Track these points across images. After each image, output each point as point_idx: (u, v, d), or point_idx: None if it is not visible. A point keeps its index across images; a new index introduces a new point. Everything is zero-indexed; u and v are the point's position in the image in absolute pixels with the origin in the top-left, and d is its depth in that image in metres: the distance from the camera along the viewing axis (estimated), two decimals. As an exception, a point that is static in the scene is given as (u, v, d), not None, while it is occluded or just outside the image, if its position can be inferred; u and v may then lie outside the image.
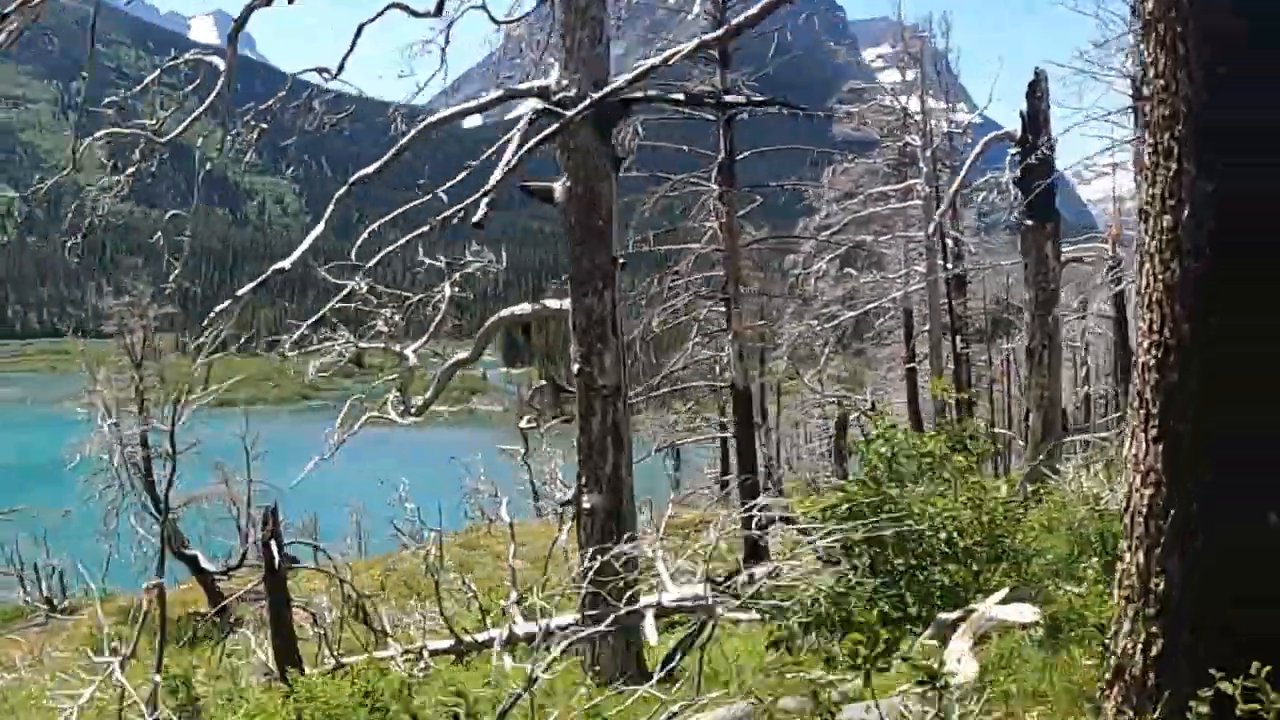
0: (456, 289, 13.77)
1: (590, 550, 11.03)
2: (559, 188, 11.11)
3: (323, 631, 15.45)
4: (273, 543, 17.72)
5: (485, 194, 9.74)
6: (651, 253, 25.46)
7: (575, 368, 11.10)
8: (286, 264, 11.34)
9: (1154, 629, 4.26)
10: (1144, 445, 4.34)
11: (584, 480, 11.19)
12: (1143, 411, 4.34)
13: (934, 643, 8.22)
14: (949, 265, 31.95)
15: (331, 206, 11.45)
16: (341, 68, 12.05)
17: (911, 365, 33.68)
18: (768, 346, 36.00)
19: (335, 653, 14.55)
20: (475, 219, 9.70)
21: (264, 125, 12.54)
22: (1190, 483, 4.21)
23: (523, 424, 18.50)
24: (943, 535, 10.19)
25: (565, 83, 10.92)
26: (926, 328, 32.85)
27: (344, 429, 14.15)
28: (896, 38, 36.39)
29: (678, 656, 10.80)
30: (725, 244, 24.07)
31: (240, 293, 11.72)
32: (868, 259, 35.91)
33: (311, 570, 18.23)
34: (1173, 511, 4.20)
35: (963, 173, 23.23)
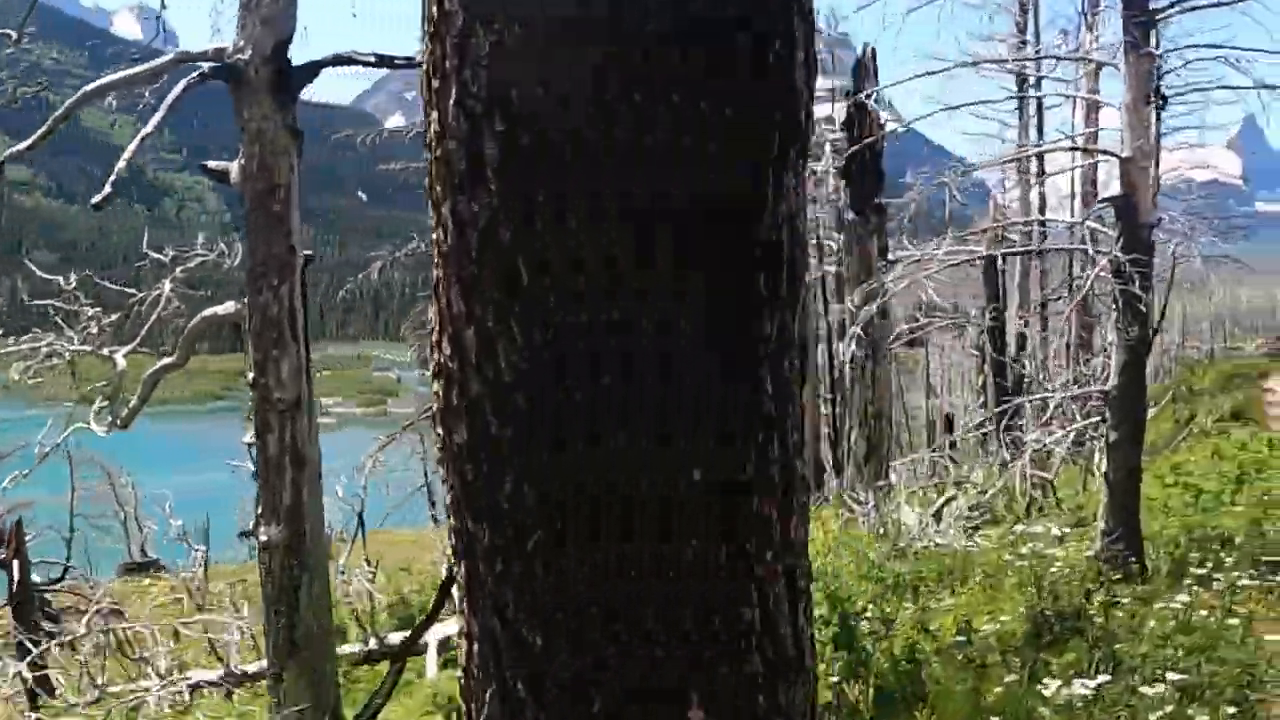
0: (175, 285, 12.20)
1: (273, 589, 9.47)
2: (234, 166, 9.48)
3: (82, 660, 14.62)
4: (15, 562, 16.11)
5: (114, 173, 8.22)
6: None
7: (250, 377, 9.45)
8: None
9: None
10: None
11: (260, 509, 9.55)
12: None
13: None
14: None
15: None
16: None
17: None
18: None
19: (97, 683, 13.89)
20: (94, 200, 8.19)
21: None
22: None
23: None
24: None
25: (241, 43, 9.28)
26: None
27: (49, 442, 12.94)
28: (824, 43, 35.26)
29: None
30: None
31: None
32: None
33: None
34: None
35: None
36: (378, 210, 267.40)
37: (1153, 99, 10.78)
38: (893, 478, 15.63)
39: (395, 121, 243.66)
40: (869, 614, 9.25)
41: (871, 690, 7.11)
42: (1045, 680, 6.63)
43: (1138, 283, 10.29)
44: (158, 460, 39.78)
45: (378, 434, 25.85)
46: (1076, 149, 11.03)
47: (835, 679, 7.29)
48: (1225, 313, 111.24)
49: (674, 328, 2.20)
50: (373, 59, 9.77)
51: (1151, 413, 22.62)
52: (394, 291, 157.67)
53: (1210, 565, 10.49)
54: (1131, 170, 10.65)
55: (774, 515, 2.45)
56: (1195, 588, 9.74)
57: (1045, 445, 12.11)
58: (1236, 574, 10.13)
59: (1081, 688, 6.34)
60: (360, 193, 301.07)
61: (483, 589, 2.41)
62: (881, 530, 12.85)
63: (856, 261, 15.85)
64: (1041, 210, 25.28)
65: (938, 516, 13.12)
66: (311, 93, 9.92)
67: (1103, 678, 6.54)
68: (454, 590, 2.55)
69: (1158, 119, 29.55)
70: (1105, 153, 10.80)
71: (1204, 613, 8.34)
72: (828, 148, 19.30)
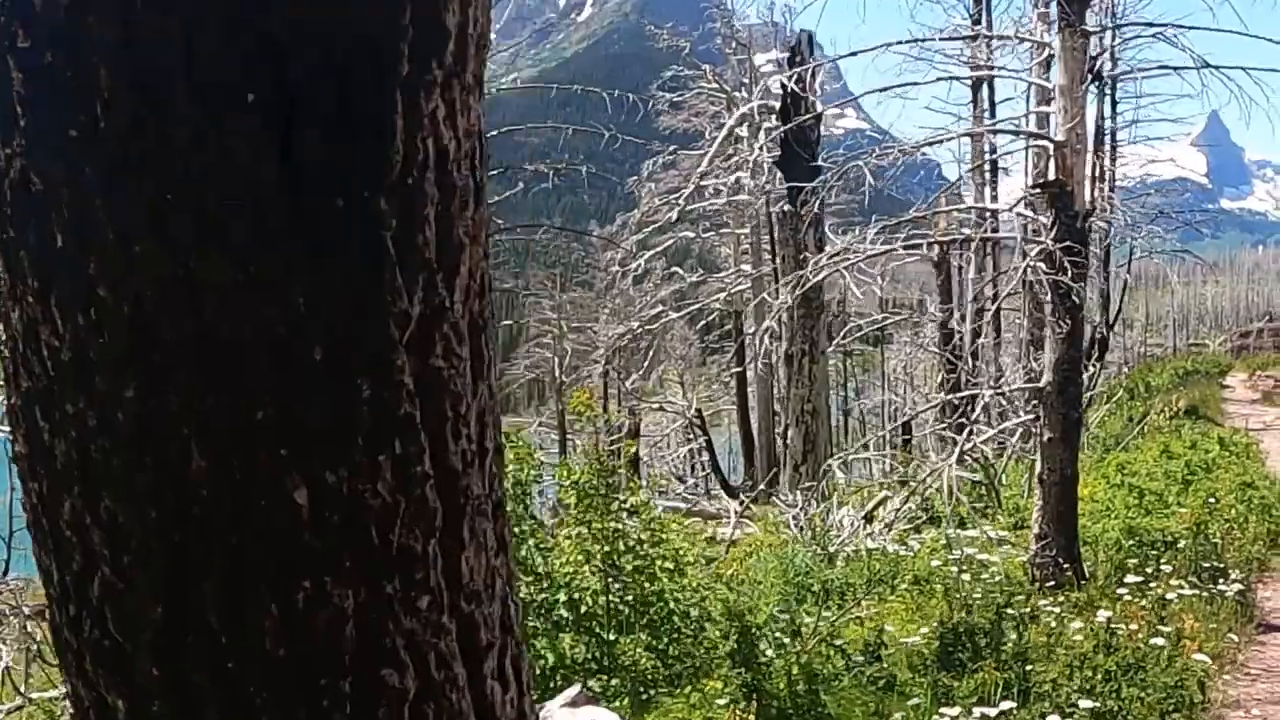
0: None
1: None
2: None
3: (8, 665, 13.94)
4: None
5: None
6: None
7: None
8: None
9: None
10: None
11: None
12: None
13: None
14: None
15: None
16: None
17: (740, 370, 31.72)
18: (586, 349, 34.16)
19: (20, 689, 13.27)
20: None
21: None
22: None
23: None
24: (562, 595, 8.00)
25: None
26: (752, 329, 30.99)
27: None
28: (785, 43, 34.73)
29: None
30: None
31: None
32: (702, 257, 34.25)
33: None
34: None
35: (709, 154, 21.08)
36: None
37: (1089, 80, 10.16)
38: (832, 477, 14.99)
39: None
40: (778, 626, 8.62)
41: (761, 713, 6.46)
42: (943, 710, 5.99)
43: (1070, 273, 9.69)
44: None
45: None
46: (1012, 132, 10.39)
47: (723, 700, 6.64)
48: (1191, 309, 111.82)
49: (258, 306, 1.56)
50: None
51: (1102, 410, 22.13)
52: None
53: (1149, 571, 9.93)
54: (1065, 155, 10.04)
55: (428, 548, 1.77)
56: (1129, 598, 9.17)
57: (974, 444, 11.53)
58: (1175, 583, 9.57)
59: (982, 717, 5.71)
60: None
61: (59, 635, 1.76)
62: (810, 534, 12.22)
63: (790, 254, 15.21)
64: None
65: (869, 518, 12.51)
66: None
67: (1007, 704, 5.90)
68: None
69: (1112, 107, 28.89)
70: (1039, 137, 10.19)
71: (1135, 627, 7.72)
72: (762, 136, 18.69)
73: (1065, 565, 10.14)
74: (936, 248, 21.76)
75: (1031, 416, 10.52)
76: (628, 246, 30.93)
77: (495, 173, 23.33)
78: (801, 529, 12.32)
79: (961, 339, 22.68)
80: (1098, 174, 29.01)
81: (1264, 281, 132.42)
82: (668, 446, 37.31)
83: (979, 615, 8.23)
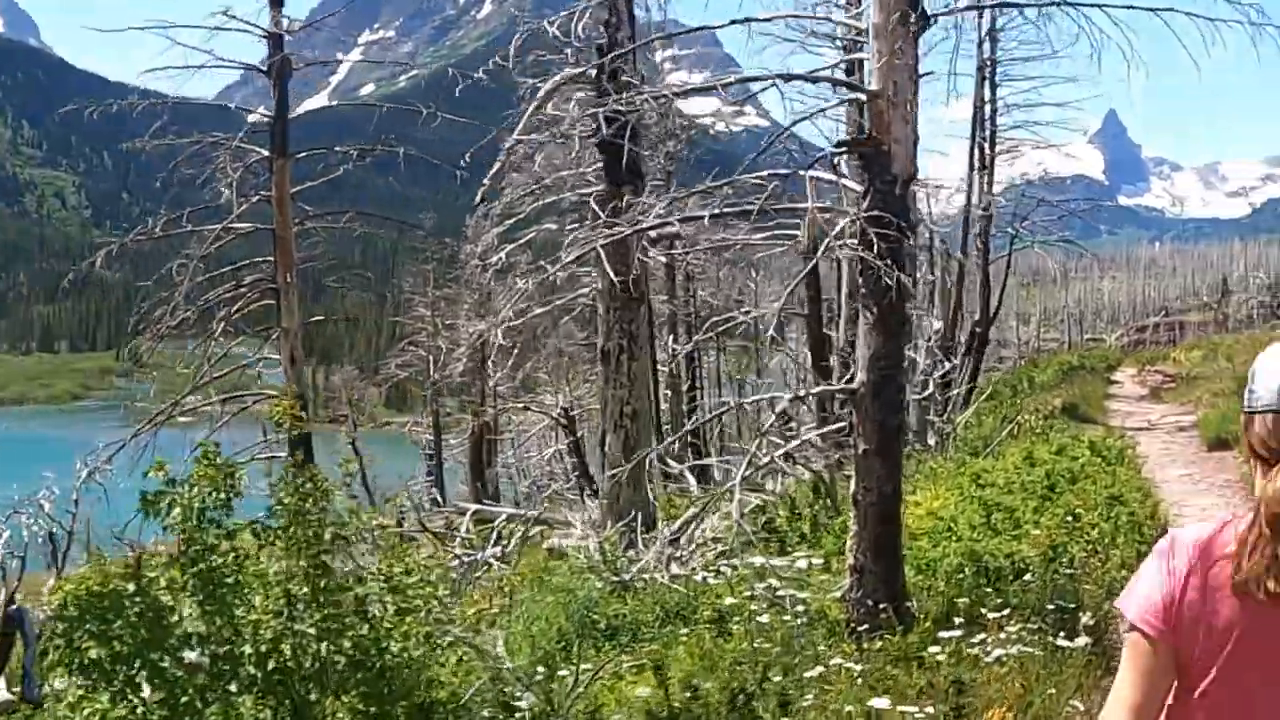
0: None
1: None
2: None
3: None
4: None
5: None
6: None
7: None
8: None
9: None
10: None
11: None
12: None
13: None
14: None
15: None
16: None
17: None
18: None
19: None
20: None
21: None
22: None
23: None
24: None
25: None
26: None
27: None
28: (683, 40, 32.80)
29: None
30: (276, 222, 19.50)
31: None
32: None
33: None
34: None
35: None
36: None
37: (911, 20, 8.30)
38: (647, 491, 13.12)
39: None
40: (537, 676, 6.76)
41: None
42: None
43: (883, 248, 7.88)
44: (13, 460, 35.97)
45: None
46: (807, 78, 8.49)
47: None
48: (1088, 304, 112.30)
49: None
50: None
51: (970, 410, 20.53)
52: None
53: (985, 609, 8.16)
54: (881, 109, 8.22)
55: None
56: (956, 644, 7.41)
57: (768, 461, 9.65)
58: (1012, 628, 7.81)
59: None
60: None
61: None
62: (601, 559, 10.34)
63: (610, 240, 13.29)
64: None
65: (675, 540, 10.67)
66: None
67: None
68: None
69: (992, 90, 27.39)
70: (852, 86, 8.35)
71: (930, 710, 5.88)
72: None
73: (882, 606, 8.32)
74: (807, 234, 19.92)
75: (838, 426, 8.69)
76: (488, 240, 28.93)
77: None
78: (596, 552, 10.43)
79: (830, 334, 21.01)
80: (980, 163, 27.61)
81: (1160, 277, 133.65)
82: (538, 449, 35.37)
83: (748, 676, 6.40)
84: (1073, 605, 8.32)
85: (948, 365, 20.26)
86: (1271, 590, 2.16)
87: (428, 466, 38.02)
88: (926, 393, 18.50)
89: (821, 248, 8.01)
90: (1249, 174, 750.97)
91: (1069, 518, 10.81)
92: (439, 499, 33.00)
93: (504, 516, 19.00)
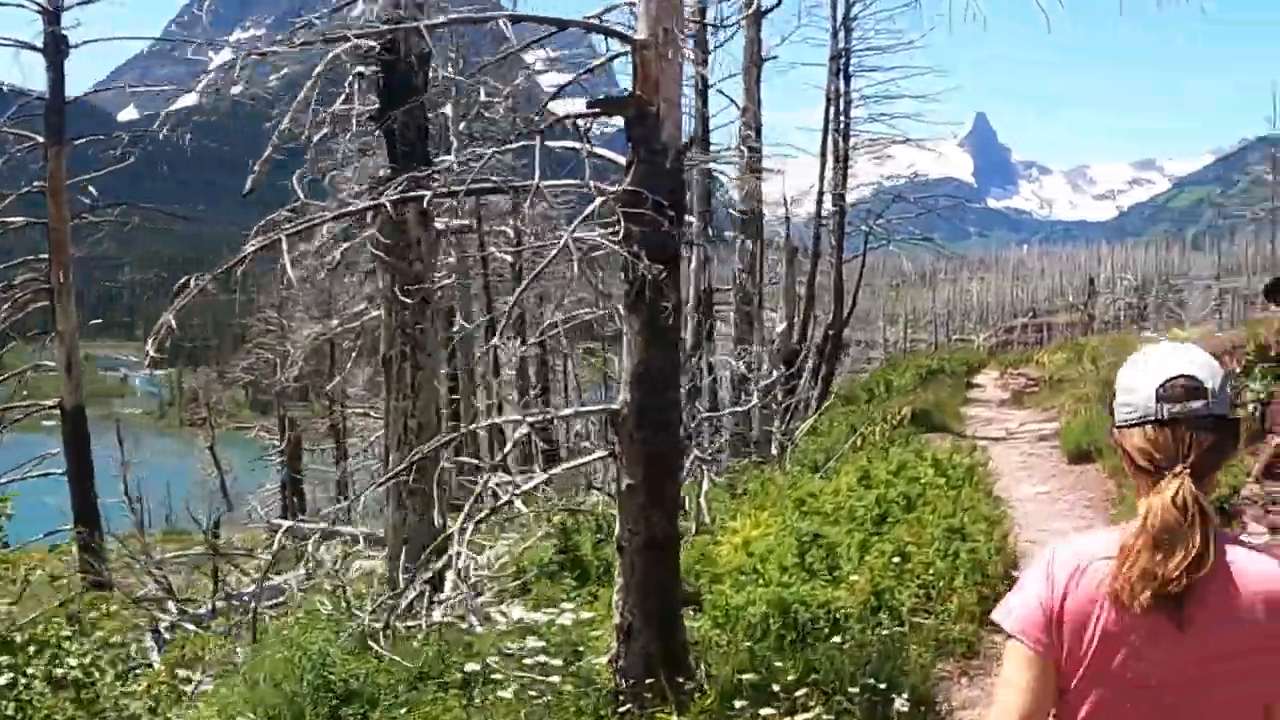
0: None
1: None
2: None
3: None
4: None
5: None
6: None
7: None
8: None
9: None
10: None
11: None
12: None
13: None
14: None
15: None
16: None
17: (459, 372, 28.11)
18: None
19: None
20: None
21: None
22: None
23: None
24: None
25: None
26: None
27: None
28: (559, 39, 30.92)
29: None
30: (50, 215, 17.40)
31: None
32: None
33: None
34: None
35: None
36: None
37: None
38: (432, 517, 11.36)
39: (128, 114, 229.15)
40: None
41: None
42: None
43: (636, 233, 6.24)
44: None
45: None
46: (557, 23, 6.80)
47: None
48: (957, 305, 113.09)
49: None
50: None
51: (809, 421, 19.12)
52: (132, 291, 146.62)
53: (780, 686, 6.56)
54: (648, 60, 6.59)
55: None
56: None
57: (537, 484, 7.95)
58: (813, 711, 6.24)
59: None
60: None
61: None
62: (345, 605, 8.56)
63: (392, 231, 11.59)
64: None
65: (436, 582, 8.94)
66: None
67: None
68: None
69: (846, 82, 26.07)
70: (612, 34, 6.72)
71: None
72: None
73: (653, 677, 6.67)
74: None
75: (606, 453, 7.01)
76: (323, 236, 27.00)
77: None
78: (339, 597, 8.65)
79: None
80: (836, 157, 26.34)
81: (1028, 278, 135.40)
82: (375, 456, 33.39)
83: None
84: (884, 685, 6.69)
85: (789, 370, 18.80)
86: (1144, 604, 2.18)
87: (279, 475, 36.09)
88: (766, 399, 17.05)
89: (565, 237, 6.27)
90: (1117, 177, 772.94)
91: (897, 557, 9.29)
92: (291, 506, 31.04)
93: (317, 535, 17.20)
